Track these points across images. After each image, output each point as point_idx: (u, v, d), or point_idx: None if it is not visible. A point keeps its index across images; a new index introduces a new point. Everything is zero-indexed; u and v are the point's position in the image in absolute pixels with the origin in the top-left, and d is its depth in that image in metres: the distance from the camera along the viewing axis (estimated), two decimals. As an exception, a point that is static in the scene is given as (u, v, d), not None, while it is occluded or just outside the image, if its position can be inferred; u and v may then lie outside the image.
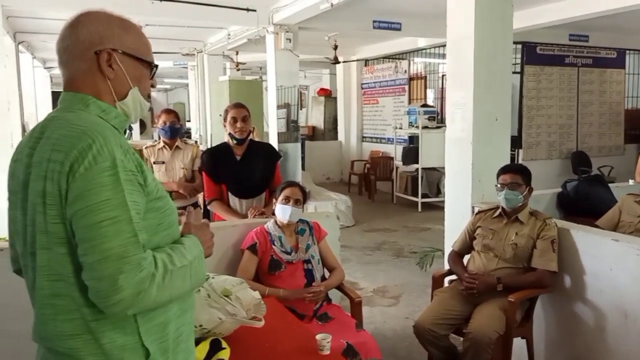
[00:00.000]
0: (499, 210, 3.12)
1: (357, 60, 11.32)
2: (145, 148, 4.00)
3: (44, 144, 1.15)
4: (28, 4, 6.10)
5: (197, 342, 1.88)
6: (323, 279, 2.98)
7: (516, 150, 7.93)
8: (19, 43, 8.36)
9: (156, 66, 1.33)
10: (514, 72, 6.35)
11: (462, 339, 2.90)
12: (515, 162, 7.50)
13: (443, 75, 9.61)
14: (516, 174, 3.05)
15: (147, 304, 1.11)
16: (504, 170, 3.12)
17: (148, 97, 1.35)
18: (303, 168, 8.71)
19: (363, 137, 11.71)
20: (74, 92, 1.23)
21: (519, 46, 7.76)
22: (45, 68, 13.37)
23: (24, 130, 8.08)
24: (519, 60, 7.83)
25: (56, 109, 1.26)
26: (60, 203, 1.10)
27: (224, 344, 1.98)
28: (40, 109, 11.78)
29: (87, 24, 1.23)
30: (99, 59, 1.22)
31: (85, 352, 1.14)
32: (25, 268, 1.24)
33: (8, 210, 1.30)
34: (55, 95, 14.19)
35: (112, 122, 1.24)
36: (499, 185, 3.07)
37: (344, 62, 9.30)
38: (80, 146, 1.09)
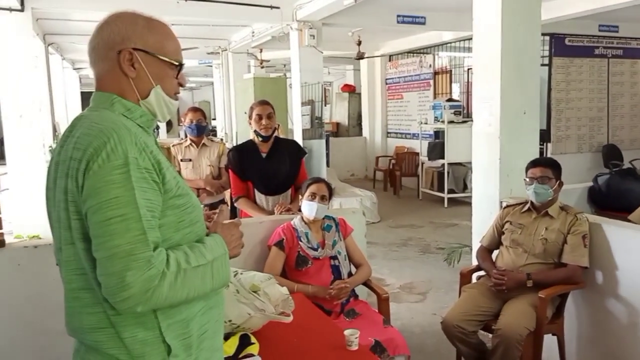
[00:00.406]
0: (528, 204, 3.07)
1: (381, 55, 11.26)
2: (173, 146, 4.05)
3: (69, 143, 1.18)
4: (57, 7, 6.22)
5: (227, 337, 1.91)
6: (350, 275, 2.98)
7: (545, 144, 7.80)
8: (48, 45, 8.53)
9: (181, 65, 1.32)
10: (542, 65, 6.23)
11: (491, 335, 2.87)
12: (545, 155, 7.38)
13: (469, 69, 9.49)
14: (546, 168, 2.99)
15: (159, 302, 1.11)
16: (533, 164, 3.06)
17: (175, 95, 1.34)
18: (327, 164, 8.71)
19: (388, 132, 11.65)
20: (101, 91, 1.26)
21: (547, 38, 7.62)
22: (74, 69, 13.62)
23: (54, 130, 8.26)
24: (547, 52, 7.68)
25: (87, 108, 1.29)
26: (79, 200, 1.12)
27: (253, 339, 2.00)
28: (70, 109, 12.03)
29: (111, 24, 1.25)
30: (120, 58, 1.24)
31: (108, 346, 1.17)
32: (58, 262, 1.28)
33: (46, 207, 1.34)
34: (84, 96, 14.49)
35: (137, 120, 1.26)
36: (527, 179, 3.02)
37: (367, 57, 9.24)
38: (95, 144, 1.11)
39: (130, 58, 1.24)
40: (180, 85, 1.35)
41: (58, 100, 10.25)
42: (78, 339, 1.23)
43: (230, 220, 1.40)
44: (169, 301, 1.13)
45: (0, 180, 6.13)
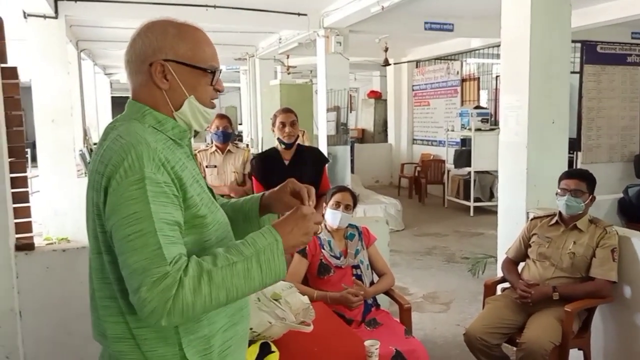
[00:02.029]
0: (556, 217, 3.01)
1: (408, 61, 11.21)
2: (198, 152, 4.10)
3: (98, 154, 1.19)
4: (89, 14, 6.37)
5: (248, 344, 1.91)
6: (372, 284, 2.96)
7: (575, 153, 7.65)
8: (81, 51, 8.75)
9: (214, 71, 1.26)
10: (573, 72, 6.12)
11: (515, 348, 2.82)
12: (574, 166, 7.24)
13: (497, 76, 9.38)
14: (581, 181, 2.92)
15: (186, 310, 1.07)
16: (568, 175, 3.00)
17: (211, 102, 1.29)
18: (352, 171, 8.70)
19: (414, 139, 11.58)
20: (135, 101, 1.25)
21: (579, 45, 7.48)
22: (105, 74, 13.93)
23: (85, 135, 8.45)
24: (578, 60, 7.54)
25: (120, 116, 1.28)
26: (103, 214, 1.13)
27: (273, 348, 2.00)
28: (100, 114, 12.29)
29: (142, 36, 1.23)
30: (152, 70, 1.21)
31: (130, 357, 1.18)
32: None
33: None
34: (114, 101, 14.78)
35: (168, 133, 1.23)
36: (560, 190, 2.95)
37: (394, 64, 9.22)
38: (115, 160, 1.11)
39: (162, 70, 1.21)
40: (217, 90, 1.29)
41: (89, 105, 10.48)
42: (103, 345, 1.25)
43: (294, 209, 1.28)
44: (201, 306, 1.08)
45: (32, 183, 6.28)
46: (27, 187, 2.69)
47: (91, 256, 1.21)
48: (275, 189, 1.43)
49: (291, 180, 1.39)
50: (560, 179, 2.99)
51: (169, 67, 1.21)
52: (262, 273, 1.15)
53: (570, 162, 6.87)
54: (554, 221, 3.02)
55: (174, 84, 1.23)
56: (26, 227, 2.69)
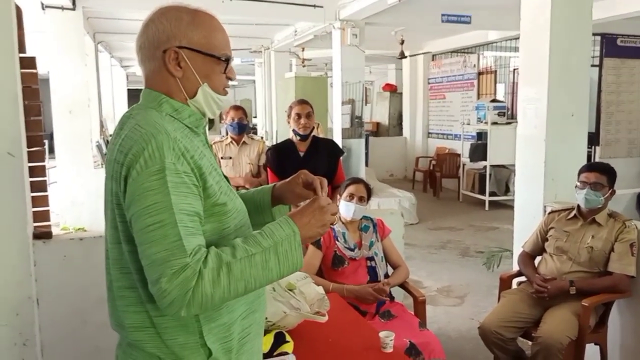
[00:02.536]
0: (574, 211, 2.97)
1: (424, 54, 11.13)
2: (214, 143, 4.11)
3: (116, 143, 1.18)
4: (107, 6, 6.41)
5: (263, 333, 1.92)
6: (386, 276, 2.95)
7: (593, 147, 7.54)
8: (98, 43, 8.81)
9: (227, 60, 1.25)
10: (593, 65, 6.03)
11: (530, 343, 2.80)
12: (592, 160, 7.14)
13: (515, 69, 9.27)
14: (602, 174, 2.87)
15: (206, 301, 1.08)
16: (588, 168, 2.95)
17: (224, 90, 1.29)
18: (366, 164, 8.68)
19: (429, 133, 11.51)
20: (150, 89, 1.24)
21: (598, 38, 7.36)
22: (122, 67, 14.03)
23: (102, 126, 8.53)
24: (597, 53, 7.42)
25: (136, 105, 1.27)
26: (124, 203, 1.13)
27: (288, 337, 2.01)
28: (117, 106, 12.39)
29: (156, 22, 1.21)
30: (165, 57, 1.19)
31: (150, 345, 1.18)
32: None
33: None
34: (131, 93, 14.89)
35: (185, 121, 1.22)
36: (579, 184, 2.91)
37: (410, 56, 9.16)
38: (135, 149, 1.10)
39: (176, 57, 1.19)
40: (229, 79, 1.28)
41: (106, 96, 10.58)
42: (120, 335, 1.25)
43: (310, 200, 1.28)
44: (220, 297, 1.09)
45: (49, 174, 6.37)
46: (45, 176, 2.71)
47: (109, 246, 1.21)
48: (287, 180, 1.42)
49: (303, 171, 1.39)
50: (580, 172, 2.94)
51: (183, 55, 1.20)
52: (280, 264, 1.15)
53: (589, 157, 6.77)
54: (572, 215, 2.98)
55: (187, 72, 1.21)
56: (44, 216, 2.71)
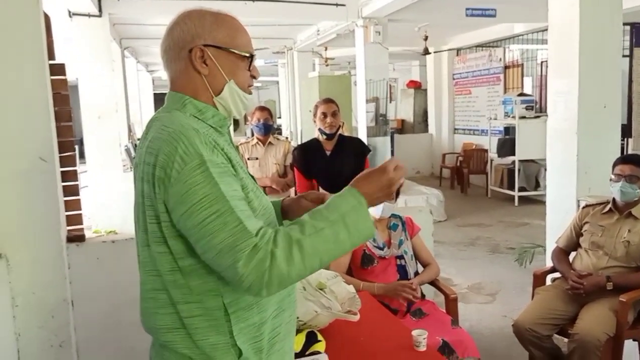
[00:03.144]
0: (609, 205, 2.89)
1: (449, 50, 11.01)
2: (240, 144, 4.14)
3: (143, 146, 1.19)
4: (132, 12, 6.50)
5: (295, 332, 1.91)
6: (416, 274, 2.92)
7: (625, 139, 7.35)
8: (124, 49, 8.96)
9: (252, 56, 1.28)
10: (623, 56, 5.89)
11: (566, 340, 2.74)
12: (625, 152, 6.97)
13: (542, 62, 9.10)
14: (637, 166, 2.79)
15: (283, 279, 1.08)
16: (623, 160, 2.88)
17: (249, 89, 1.30)
18: (393, 162, 8.61)
19: (455, 129, 11.39)
20: (174, 91, 1.25)
21: (628, 27, 7.17)
22: (147, 71, 14.25)
23: (129, 131, 8.66)
24: (627, 44, 7.23)
25: (161, 108, 1.29)
26: (156, 205, 1.13)
27: (320, 337, 2.00)
28: (144, 110, 12.57)
29: (180, 23, 1.23)
30: (192, 56, 1.22)
31: (181, 346, 1.18)
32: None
33: None
34: (157, 97, 15.10)
35: (209, 121, 1.23)
36: (614, 176, 2.84)
37: (434, 52, 9.07)
38: (166, 150, 1.11)
39: (202, 55, 1.21)
40: (253, 77, 1.30)
41: (133, 101, 10.73)
42: (152, 336, 1.26)
43: (379, 166, 1.23)
44: (296, 274, 1.09)
45: (81, 178, 6.49)
46: (77, 180, 2.76)
47: (140, 249, 1.22)
48: (294, 196, 1.46)
49: (312, 191, 1.43)
50: (615, 165, 2.87)
51: (208, 52, 1.22)
52: (351, 235, 1.14)
53: (622, 149, 6.61)
54: (607, 209, 2.90)
55: (213, 69, 1.23)
56: (77, 220, 2.76)
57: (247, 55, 1.26)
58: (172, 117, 1.19)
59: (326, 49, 9.61)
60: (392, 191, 1.21)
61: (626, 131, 7.22)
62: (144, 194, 1.15)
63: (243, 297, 1.18)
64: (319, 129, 3.42)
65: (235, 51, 1.24)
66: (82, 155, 5.82)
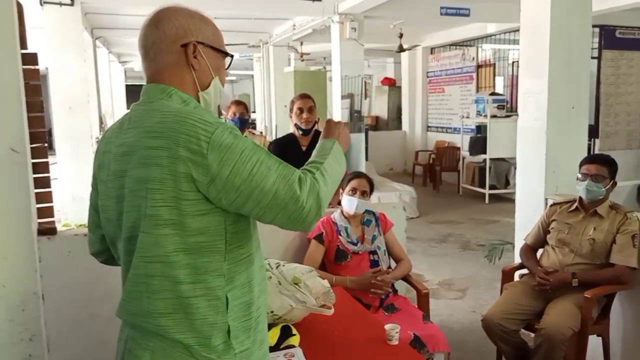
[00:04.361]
0: (576, 203, 2.98)
1: (423, 47, 11.11)
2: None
3: (136, 133, 1.20)
4: (105, 1, 6.39)
5: (269, 327, 1.92)
6: (389, 270, 2.96)
7: (592, 139, 7.55)
8: (96, 38, 8.78)
9: (232, 56, 1.38)
10: (592, 57, 6.04)
11: (533, 335, 2.82)
12: (592, 152, 7.15)
13: (514, 62, 9.27)
14: (602, 166, 2.88)
15: (326, 199, 1.25)
16: (589, 160, 2.96)
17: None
18: (366, 158, 8.67)
19: (428, 126, 11.52)
20: (157, 83, 1.27)
21: (597, 30, 7.35)
22: (120, 62, 13.99)
23: (101, 122, 8.51)
24: (596, 45, 7.42)
25: (140, 101, 1.29)
26: (172, 186, 1.13)
27: (294, 331, 2.02)
28: (115, 101, 12.36)
29: (171, 19, 1.26)
30: (187, 51, 1.26)
31: (174, 330, 1.19)
32: (116, 250, 1.31)
33: (94, 199, 1.37)
34: (129, 89, 14.86)
35: (190, 109, 1.27)
36: (580, 175, 2.92)
37: (409, 49, 9.13)
38: (184, 130, 1.14)
39: (194, 51, 1.27)
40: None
41: (104, 92, 10.55)
42: (136, 322, 1.23)
43: (326, 123, 1.52)
44: (329, 195, 1.27)
45: (51, 170, 6.37)
46: (48, 172, 2.71)
47: (141, 235, 1.18)
48: None
49: None
50: (581, 164, 2.95)
51: (200, 49, 1.28)
52: (340, 167, 1.37)
53: (588, 149, 6.77)
54: (574, 207, 2.99)
55: (203, 65, 1.29)
56: (48, 212, 2.71)
57: (229, 55, 1.36)
58: (165, 104, 1.23)
59: (302, 43, 9.59)
60: (348, 133, 1.51)
61: (593, 132, 7.41)
62: (149, 179, 1.15)
63: (239, 275, 1.24)
64: (295, 124, 3.42)
65: (221, 49, 1.32)
66: (50, 147, 5.70)
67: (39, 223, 2.66)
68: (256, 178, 1.15)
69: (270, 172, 1.17)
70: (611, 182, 2.88)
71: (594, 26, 4.99)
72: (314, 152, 1.39)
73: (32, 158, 2.58)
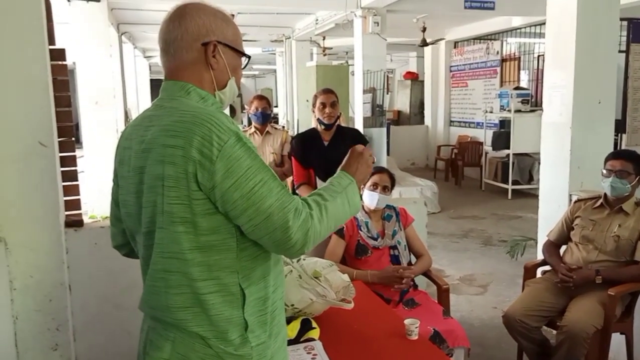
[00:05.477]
0: (601, 200, 2.94)
1: (446, 41, 11.00)
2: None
3: (155, 131, 1.22)
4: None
5: (289, 320, 1.95)
6: (409, 265, 2.96)
7: (619, 135, 7.40)
8: (121, 34, 8.89)
9: (249, 57, 1.38)
10: (619, 51, 5.91)
11: (555, 332, 2.79)
12: (619, 147, 7.02)
13: (539, 56, 9.12)
14: (627, 162, 2.83)
15: (316, 239, 1.23)
16: (614, 156, 2.91)
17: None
18: (388, 153, 8.65)
19: (451, 121, 11.42)
20: (175, 80, 1.29)
21: (625, 23, 7.19)
22: (144, 57, 14.15)
23: (126, 117, 8.63)
24: (624, 39, 7.26)
25: (159, 97, 1.32)
26: (186, 185, 1.16)
27: (314, 324, 2.04)
28: (140, 96, 12.51)
29: (194, 16, 1.27)
30: (207, 50, 1.27)
31: (193, 324, 1.22)
32: (136, 244, 1.34)
33: (115, 194, 1.40)
34: (153, 83, 15.02)
35: (209, 108, 1.27)
36: (605, 172, 2.87)
37: (432, 43, 9.05)
38: (200, 132, 1.15)
39: (214, 50, 1.28)
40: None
41: (130, 87, 10.69)
42: (157, 316, 1.27)
43: (349, 153, 1.47)
44: (323, 234, 1.26)
45: (78, 163, 6.49)
46: (76, 165, 2.77)
47: (157, 231, 1.22)
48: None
49: None
50: (606, 160, 2.91)
51: (219, 49, 1.29)
52: (350, 206, 1.34)
53: (615, 144, 6.65)
54: (598, 204, 2.95)
55: (221, 65, 1.30)
56: (75, 205, 2.78)
57: (247, 55, 1.36)
58: (184, 103, 1.25)
59: (324, 38, 9.58)
60: (370, 165, 1.46)
61: (620, 126, 7.26)
62: (164, 176, 1.18)
63: (254, 272, 1.26)
64: (318, 119, 3.43)
65: (240, 50, 1.34)
66: (77, 141, 5.80)
67: (66, 215, 2.73)
68: (255, 197, 1.16)
69: (270, 194, 1.18)
70: (637, 179, 2.83)
71: (621, 19, 4.88)
72: (328, 181, 1.38)
73: (60, 152, 2.65)
